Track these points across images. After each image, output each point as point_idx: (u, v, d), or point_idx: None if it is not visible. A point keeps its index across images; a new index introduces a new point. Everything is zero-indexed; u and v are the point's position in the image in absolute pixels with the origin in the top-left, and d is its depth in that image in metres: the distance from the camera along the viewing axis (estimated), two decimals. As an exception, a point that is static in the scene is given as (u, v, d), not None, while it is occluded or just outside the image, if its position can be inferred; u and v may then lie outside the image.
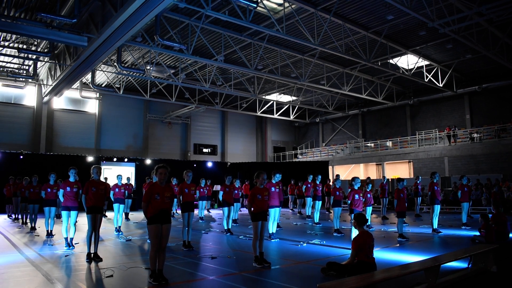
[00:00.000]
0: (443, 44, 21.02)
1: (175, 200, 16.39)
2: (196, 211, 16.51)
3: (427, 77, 24.68)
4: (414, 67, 23.86)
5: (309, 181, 15.99)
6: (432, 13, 16.01)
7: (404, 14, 17.37)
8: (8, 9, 17.44)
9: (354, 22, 18.82)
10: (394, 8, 16.76)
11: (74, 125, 29.05)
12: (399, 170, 30.88)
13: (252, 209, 7.28)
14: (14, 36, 20.23)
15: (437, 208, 11.97)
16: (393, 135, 32.20)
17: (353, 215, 7.31)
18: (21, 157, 21.38)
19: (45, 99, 26.74)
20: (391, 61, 22.82)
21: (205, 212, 20.55)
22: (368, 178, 17.19)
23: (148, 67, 23.06)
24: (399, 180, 11.17)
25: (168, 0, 12.31)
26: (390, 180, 24.11)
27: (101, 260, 7.62)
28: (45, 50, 20.27)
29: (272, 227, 10.77)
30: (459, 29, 17.55)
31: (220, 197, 12.69)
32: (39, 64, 23.91)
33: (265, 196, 7.41)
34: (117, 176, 14.01)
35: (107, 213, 18.13)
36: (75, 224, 9.19)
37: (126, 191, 14.50)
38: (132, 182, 19.78)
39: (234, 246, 9.64)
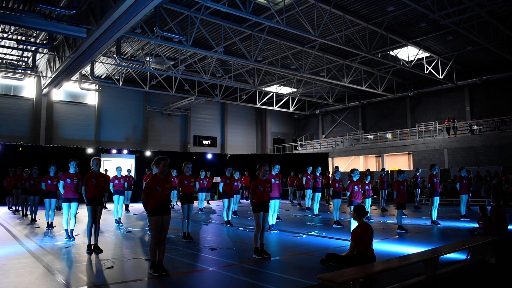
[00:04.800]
0: (444, 35, 20.95)
1: (175, 192, 16.57)
2: (196, 203, 16.55)
3: (427, 69, 24.63)
4: (415, 59, 23.81)
5: (309, 172, 16.03)
6: (433, 4, 15.94)
7: (404, 5, 17.28)
8: (6, 0, 17.37)
9: (355, 14, 18.72)
10: (395, -1, 16.72)
11: (74, 117, 29.03)
12: (398, 162, 30.91)
13: (254, 200, 7.31)
14: (12, 28, 20.12)
15: (437, 200, 12.01)
16: (393, 127, 32.20)
17: (353, 206, 7.33)
18: (20, 149, 21.32)
19: (45, 91, 26.67)
20: (391, 53, 22.74)
21: (205, 203, 20.60)
22: (368, 170, 17.21)
23: (148, 59, 22.97)
24: (400, 172, 11.19)
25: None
26: (389, 172, 24.15)
27: (101, 251, 7.65)
28: (44, 42, 20.17)
29: (271, 219, 10.80)
30: (459, 20, 17.48)
31: (220, 189, 12.70)
32: (38, 55, 23.79)
33: (266, 188, 7.42)
34: (117, 168, 14.03)
35: (107, 205, 18.20)
36: (75, 216, 9.20)
37: (126, 183, 14.52)
38: (132, 174, 19.77)
39: (234, 238, 9.67)
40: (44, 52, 22.78)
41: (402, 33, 21.15)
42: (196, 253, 7.77)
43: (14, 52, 23.81)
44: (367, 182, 13.22)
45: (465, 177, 13.38)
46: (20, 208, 16.12)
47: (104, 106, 30.37)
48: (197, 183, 16.65)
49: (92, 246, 7.72)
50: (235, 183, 14.10)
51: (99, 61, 24.45)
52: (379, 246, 8.06)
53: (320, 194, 15.64)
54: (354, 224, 7.90)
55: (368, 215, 12.79)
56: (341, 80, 26.34)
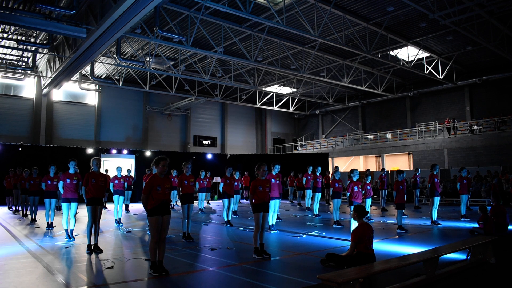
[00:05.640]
0: (444, 35, 20.94)
1: (175, 192, 16.57)
2: (196, 203, 16.56)
3: (427, 69, 24.62)
4: (415, 59, 23.80)
5: (309, 173, 16.03)
6: (433, 4, 15.94)
7: (404, 6, 17.27)
8: (6, 0, 17.37)
9: (355, 14, 18.72)
10: (395, -1, 16.72)
11: (74, 117, 29.03)
12: (398, 162, 30.92)
13: (254, 200, 7.30)
14: (12, 28, 20.12)
15: (437, 200, 12.01)
16: (393, 127, 32.20)
17: (353, 206, 7.32)
18: (20, 149, 21.30)
19: (45, 91, 26.67)
20: (391, 53, 22.73)
21: (205, 203, 20.60)
22: (368, 170, 17.21)
23: (148, 59, 22.97)
24: (399, 172, 11.19)
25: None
26: (389, 172, 24.15)
27: (101, 251, 7.65)
28: (44, 42, 20.18)
29: (271, 219, 10.80)
30: (459, 20, 17.49)
31: (221, 189, 12.71)
32: (38, 55, 23.79)
33: (266, 188, 7.41)
34: (117, 168, 14.03)
35: (107, 205, 18.19)
36: (75, 216, 9.21)
37: (126, 183, 14.52)
38: (132, 174, 19.76)
39: (234, 238, 9.67)
40: (44, 52, 22.79)
41: (402, 33, 21.15)
42: (196, 253, 7.77)
43: (14, 52, 23.82)
44: (367, 182, 13.22)
45: (465, 177, 13.37)
46: (20, 208, 16.13)
47: (104, 106, 30.37)
48: (197, 183, 16.64)
49: (92, 246, 7.72)
50: (235, 183, 14.10)
51: (99, 61, 24.45)
52: (379, 246, 8.06)
53: (320, 194, 15.65)
54: (354, 224, 7.90)
55: (368, 215, 12.79)
56: (341, 80, 26.34)
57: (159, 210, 5.98)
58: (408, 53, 23.70)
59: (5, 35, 20.96)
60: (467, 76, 27.48)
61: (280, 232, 10.47)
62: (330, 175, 19.01)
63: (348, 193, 9.65)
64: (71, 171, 9.14)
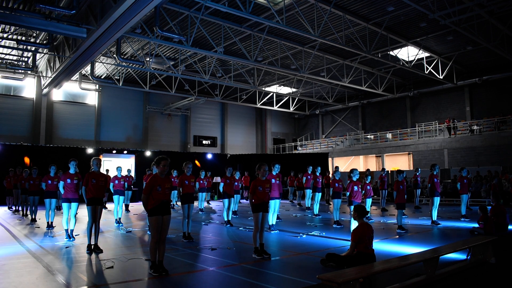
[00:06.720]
0: (444, 35, 20.94)
1: (175, 192, 16.57)
2: (196, 203, 16.55)
3: (427, 69, 24.62)
4: (415, 59, 23.80)
5: (309, 172, 16.04)
6: (433, 4, 15.95)
7: (404, 5, 17.28)
8: (6, 0, 17.37)
9: (355, 14, 18.73)
10: (395, -1, 16.72)
11: (74, 117, 29.04)
12: (398, 162, 30.91)
13: (253, 200, 7.30)
14: (12, 28, 20.11)
15: (437, 200, 12.01)
16: (393, 127, 32.20)
17: (353, 206, 7.32)
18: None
19: (45, 91, 26.67)
20: (391, 53, 22.73)
21: (205, 203, 20.59)
22: (368, 170, 17.21)
23: (148, 59, 22.97)
24: (399, 172, 11.18)
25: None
26: (389, 172, 24.15)
27: (101, 251, 7.65)
28: (44, 42, 20.18)
29: (272, 219, 10.80)
30: (459, 20, 17.49)
31: (221, 189, 12.71)
32: (38, 55, 23.78)
33: (266, 188, 7.40)
34: (117, 168, 14.05)
35: (107, 205, 18.19)
36: (75, 216, 9.20)
37: (126, 183, 14.53)
38: (132, 174, 19.75)
39: (234, 238, 9.67)
40: (44, 52, 22.78)
41: (402, 33, 21.15)
42: (196, 253, 7.77)
43: (14, 52, 23.81)
44: (367, 182, 13.22)
45: (466, 177, 13.35)
46: (20, 208, 16.13)
47: (104, 106, 30.37)
48: (197, 183, 16.63)
49: (92, 246, 7.72)
50: (236, 183, 14.09)
51: (99, 61, 24.45)
52: (379, 246, 8.06)
53: (320, 194, 15.65)
54: (354, 224, 7.90)
55: (368, 215, 12.79)
56: (341, 80, 26.34)
57: (159, 210, 5.98)
58: (408, 53, 23.71)
59: (5, 35, 20.96)
60: (467, 76, 27.48)
61: (280, 232, 10.47)
62: (330, 175, 19.01)
63: (348, 193, 9.65)
64: (71, 171, 9.15)
